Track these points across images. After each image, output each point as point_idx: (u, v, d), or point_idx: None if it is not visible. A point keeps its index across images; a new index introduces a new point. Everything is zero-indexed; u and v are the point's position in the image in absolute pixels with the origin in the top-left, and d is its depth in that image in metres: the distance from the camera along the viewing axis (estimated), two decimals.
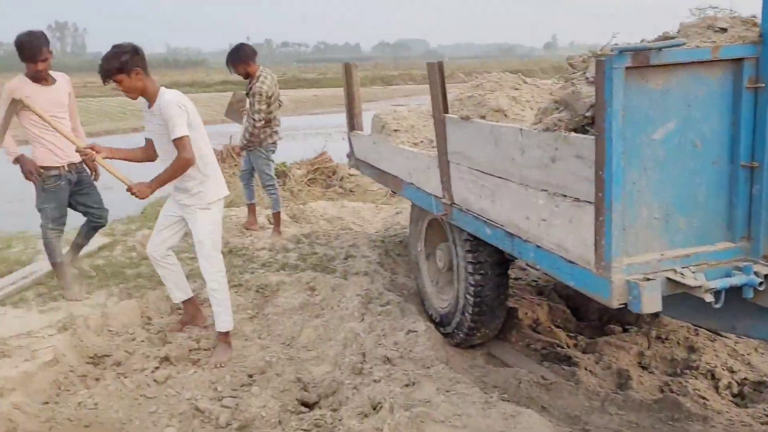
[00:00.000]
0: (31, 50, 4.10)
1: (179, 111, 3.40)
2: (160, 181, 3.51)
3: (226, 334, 3.73)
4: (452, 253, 3.96)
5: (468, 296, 3.82)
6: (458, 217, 3.52)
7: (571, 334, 4.26)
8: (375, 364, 3.48)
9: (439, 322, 4.17)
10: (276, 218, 5.99)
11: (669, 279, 2.27)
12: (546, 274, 5.16)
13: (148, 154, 3.77)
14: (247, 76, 5.57)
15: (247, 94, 5.69)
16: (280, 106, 5.82)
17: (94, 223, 4.66)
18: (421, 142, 4.42)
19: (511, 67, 64.14)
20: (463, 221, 3.47)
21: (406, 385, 3.22)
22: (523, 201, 2.82)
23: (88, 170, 4.49)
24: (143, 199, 3.54)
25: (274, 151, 5.92)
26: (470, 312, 3.84)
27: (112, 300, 4.44)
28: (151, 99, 3.51)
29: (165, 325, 4.19)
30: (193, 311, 4.09)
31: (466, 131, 3.25)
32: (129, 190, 3.49)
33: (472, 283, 3.77)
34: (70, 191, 4.42)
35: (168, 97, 3.45)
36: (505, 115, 4.22)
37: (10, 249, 5.68)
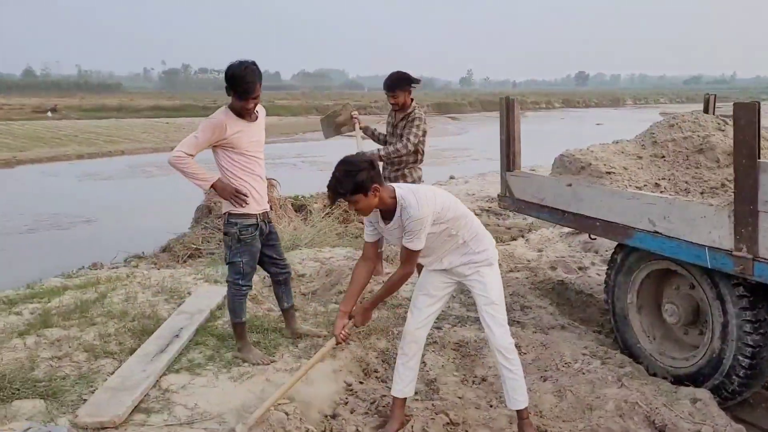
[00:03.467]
0: (245, 86, 3.51)
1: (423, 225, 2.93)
2: (378, 299, 3.24)
3: (526, 412, 3.15)
4: (713, 310, 3.62)
5: (741, 357, 3.49)
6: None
7: None
8: None
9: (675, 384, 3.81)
10: None
11: None
12: None
13: (369, 266, 3.20)
14: (403, 106, 5.06)
15: (401, 123, 5.13)
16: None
17: (283, 275, 4.03)
18: (645, 185, 4.09)
19: (435, 99, 65.73)
20: None
21: None
22: None
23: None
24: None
25: None
26: (741, 375, 3.51)
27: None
28: (388, 211, 3.00)
29: (370, 392, 3.63)
30: (402, 417, 3.26)
31: None
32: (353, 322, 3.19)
33: (750, 343, 3.45)
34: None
35: (413, 213, 2.90)
36: None
37: (109, 298, 4.86)
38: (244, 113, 3.61)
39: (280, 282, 4.07)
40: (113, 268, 7.87)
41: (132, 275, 5.61)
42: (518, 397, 3.11)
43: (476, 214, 11.24)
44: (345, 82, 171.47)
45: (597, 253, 6.42)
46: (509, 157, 5.01)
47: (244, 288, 3.76)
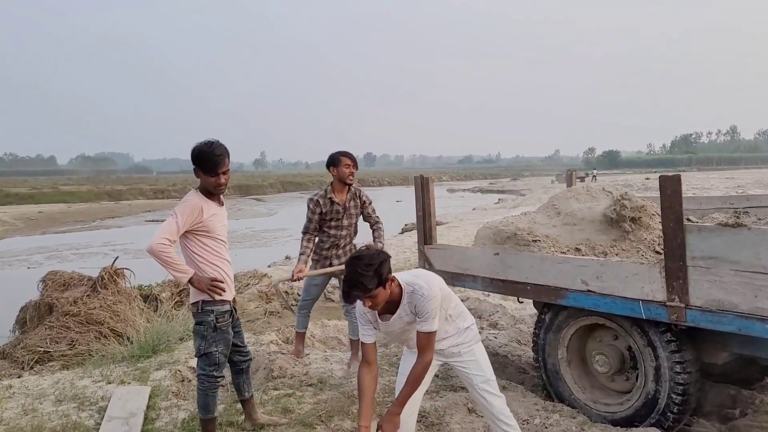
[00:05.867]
0: (215, 158, 3.40)
1: (437, 303, 3.00)
2: (405, 398, 2.98)
3: None
4: (644, 357, 4.10)
5: (674, 395, 3.98)
6: (700, 318, 3.71)
7: None
8: None
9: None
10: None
11: None
12: None
13: (373, 371, 3.04)
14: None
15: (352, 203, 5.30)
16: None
17: (245, 363, 3.80)
18: (567, 250, 4.56)
19: (234, 182, 65.02)
20: (713, 322, 3.67)
21: None
22: None
23: None
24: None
25: None
26: (674, 411, 4.00)
27: None
28: (391, 303, 2.98)
29: None
30: None
31: (735, 238, 3.53)
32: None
33: (680, 381, 3.96)
34: None
35: (426, 293, 2.95)
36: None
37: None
38: (217, 190, 3.48)
39: (242, 371, 3.85)
40: None
41: (9, 387, 4.88)
42: None
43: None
44: (131, 166, 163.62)
45: (481, 318, 6.83)
46: (425, 232, 5.27)
47: (219, 380, 3.52)
